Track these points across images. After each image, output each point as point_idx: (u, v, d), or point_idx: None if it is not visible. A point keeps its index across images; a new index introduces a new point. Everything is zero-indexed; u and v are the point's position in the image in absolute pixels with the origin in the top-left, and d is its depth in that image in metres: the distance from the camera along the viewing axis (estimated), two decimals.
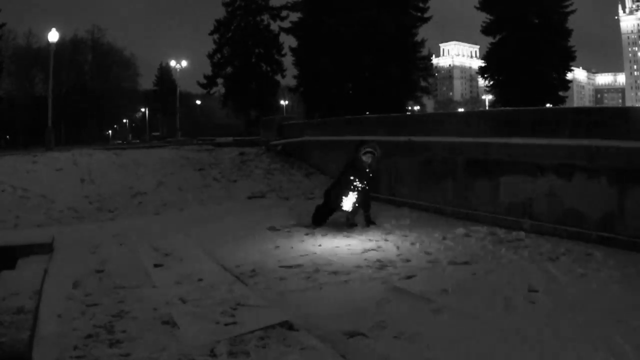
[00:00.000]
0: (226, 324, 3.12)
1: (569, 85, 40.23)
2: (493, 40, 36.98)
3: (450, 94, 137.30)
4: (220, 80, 41.03)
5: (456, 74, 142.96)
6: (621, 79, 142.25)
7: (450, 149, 6.82)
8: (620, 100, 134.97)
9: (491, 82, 38.32)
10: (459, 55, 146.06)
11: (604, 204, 4.90)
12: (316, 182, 9.72)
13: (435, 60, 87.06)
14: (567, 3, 35.86)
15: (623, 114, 5.52)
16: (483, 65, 39.06)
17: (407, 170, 7.69)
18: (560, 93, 37.02)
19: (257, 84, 39.26)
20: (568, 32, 36.19)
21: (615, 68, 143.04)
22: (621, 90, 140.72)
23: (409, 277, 4.05)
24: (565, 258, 4.44)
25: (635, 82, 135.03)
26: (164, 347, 2.81)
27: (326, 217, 6.30)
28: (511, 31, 34.77)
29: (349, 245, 5.25)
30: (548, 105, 32.52)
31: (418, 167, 7.43)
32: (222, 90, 41.40)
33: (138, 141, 50.71)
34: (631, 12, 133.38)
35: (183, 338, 2.94)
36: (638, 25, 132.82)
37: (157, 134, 62.62)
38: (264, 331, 2.97)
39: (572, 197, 5.20)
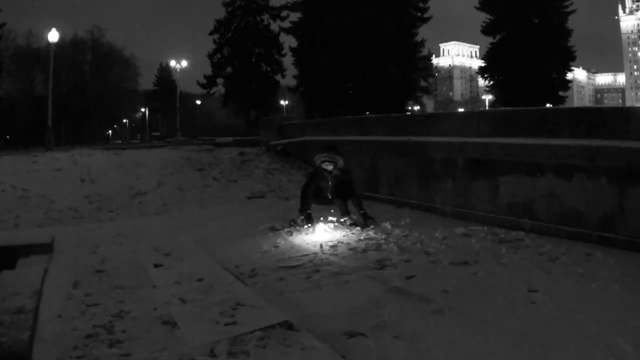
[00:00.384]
0: (226, 324, 3.12)
1: (569, 85, 40.29)
2: (493, 40, 37.04)
3: (450, 94, 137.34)
4: (220, 80, 41.12)
5: (456, 74, 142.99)
6: (621, 79, 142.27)
7: (450, 149, 6.82)
8: (620, 100, 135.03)
9: (491, 82, 38.37)
10: (459, 55, 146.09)
11: (604, 204, 4.90)
12: None
13: (435, 60, 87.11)
14: (567, 3, 35.91)
15: (623, 114, 5.52)
16: (483, 65, 39.11)
17: (407, 170, 7.69)
18: (560, 93, 37.07)
19: (257, 84, 39.29)
20: (568, 32, 36.24)
21: (615, 68, 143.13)
22: (621, 90, 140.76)
23: (409, 277, 4.04)
24: (565, 258, 4.44)
25: (635, 82, 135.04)
26: (164, 347, 2.81)
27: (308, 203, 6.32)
28: (511, 31, 34.81)
29: (349, 245, 5.25)
30: (548, 105, 32.56)
31: (418, 167, 7.43)
32: (222, 90, 41.48)
33: (138, 141, 50.73)
34: (631, 12, 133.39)
35: (183, 338, 2.94)
36: (638, 25, 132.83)
37: (157, 134, 62.65)
38: (264, 331, 2.97)
39: (572, 197, 5.20)
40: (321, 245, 5.25)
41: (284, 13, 38.12)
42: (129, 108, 65.66)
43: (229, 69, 40.59)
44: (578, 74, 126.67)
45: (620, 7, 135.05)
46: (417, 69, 33.72)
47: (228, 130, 38.73)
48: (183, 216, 7.48)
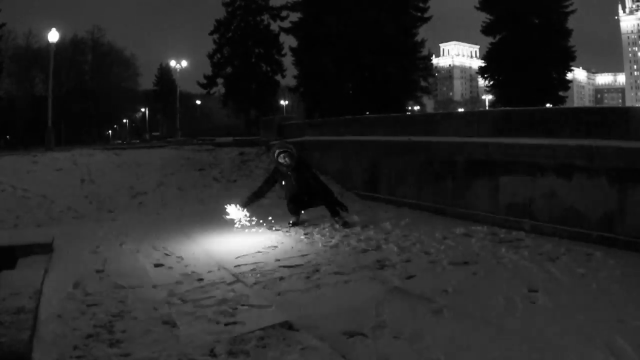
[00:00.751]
0: (226, 324, 3.12)
1: (569, 85, 40.28)
2: (493, 40, 37.04)
3: (450, 94, 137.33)
4: (220, 80, 41.13)
5: (456, 74, 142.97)
6: (621, 79, 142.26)
7: (450, 149, 6.82)
8: (620, 100, 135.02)
9: (491, 82, 38.38)
10: (459, 55, 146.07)
11: (604, 204, 4.90)
12: None
13: (435, 60, 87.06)
14: (567, 3, 35.91)
15: (623, 114, 5.52)
16: (483, 65, 39.11)
17: (407, 170, 7.69)
18: (560, 93, 37.07)
19: (257, 84, 39.30)
20: (568, 32, 36.23)
21: (615, 68, 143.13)
22: (621, 90, 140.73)
23: (409, 277, 4.05)
24: (565, 258, 4.44)
25: (635, 82, 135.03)
26: (164, 347, 2.81)
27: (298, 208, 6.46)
28: (511, 31, 34.82)
29: (349, 245, 5.25)
30: (548, 105, 32.55)
31: (418, 167, 7.43)
32: (222, 90, 41.49)
33: (138, 141, 50.73)
34: (631, 12, 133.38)
35: (183, 338, 2.94)
36: (638, 25, 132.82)
37: (157, 134, 62.63)
38: (264, 331, 2.97)
39: (572, 197, 5.20)
40: (321, 245, 5.25)
41: (284, 13, 38.12)
42: (129, 108, 65.63)
43: (229, 69, 40.60)
44: (578, 74, 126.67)
45: (620, 7, 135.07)
46: (417, 69, 33.70)
47: (228, 130, 38.78)
48: (183, 216, 7.48)
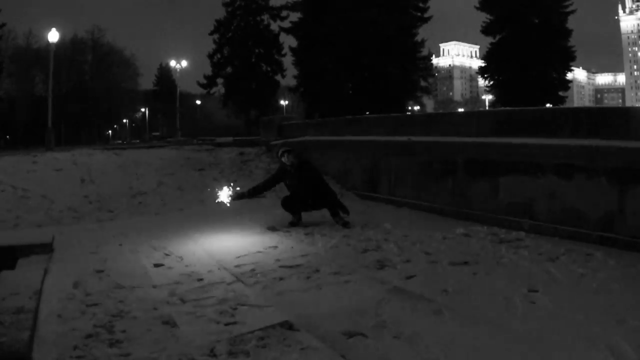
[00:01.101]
0: (226, 324, 3.12)
1: (569, 85, 40.31)
2: (493, 40, 37.06)
3: (450, 94, 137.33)
4: (220, 80, 41.13)
5: (456, 74, 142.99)
6: (621, 79, 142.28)
7: (450, 149, 6.82)
8: (620, 100, 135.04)
9: (491, 82, 38.39)
10: (459, 55, 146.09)
11: (604, 204, 4.90)
12: None
13: (435, 60, 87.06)
14: (567, 3, 35.93)
15: (623, 114, 5.53)
16: (483, 65, 39.13)
17: (407, 171, 7.69)
18: (560, 93, 37.09)
19: (257, 84, 39.29)
20: (568, 32, 36.25)
21: (615, 68, 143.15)
22: (621, 90, 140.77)
23: (409, 277, 4.04)
24: (565, 258, 4.43)
25: (635, 82, 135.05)
26: (164, 347, 2.81)
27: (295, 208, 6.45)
28: (511, 31, 34.83)
29: (349, 245, 5.25)
30: (548, 105, 32.55)
31: (418, 167, 7.43)
32: (222, 90, 41.49)
33: (138, 141, 50.71)
34: (631, 12, 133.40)
35: (183, 338, 2.94)
36: (638, 25, 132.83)
37: (157, 134, 62.64)
38: (264, 331, 2.97)
39: (572, 197, 5.20)
40: (321, 245, 5.25)
41: (284, 13, 38.16)
42: (129, 108, 65.64)
43: (229, 69, 40.60)
44: (578, 74, 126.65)
45: (620, 7, 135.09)
46: (417, 69, 33.72)
47: (228, 130, 38.78)
48: (183, 216, 7.48)
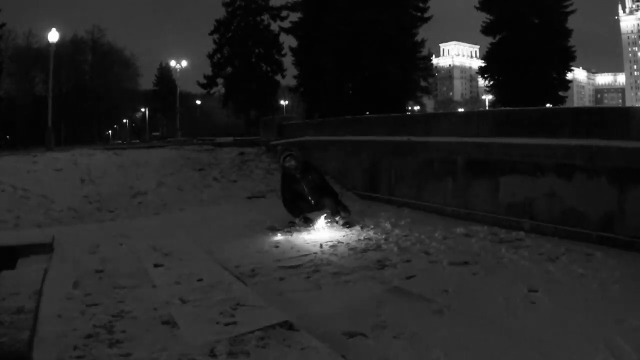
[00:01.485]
0: (226, 324, 3.12)
1: (569, 85, 40.33)
2: (493, 40, 37.08)
3: (450, 94, 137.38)
4: (220, 80, 41.19)
5: (456, 74, 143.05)
6: (621, 79, 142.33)
7: (450, 149, 6.82)
8: (620, 100, 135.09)
9: (491, 82, 38.41)
10: (459, 55, 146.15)
11: (604, 204, 4.90)
12: None
13: (435, 60, 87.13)
14: (567, 3, 35.95)
15: (623, 114, 5.52)
16: (483, 65, 39.15)
17: (407, 170, 7.69)
18: (560, 93, 37.11)
19: (257, 84, 39.33)
20: (568, 32, 36.27)
21: (615, 68, 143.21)
22: (621, 90, 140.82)
23: (409, 277, 4.04)
24: (565, 258, 4.43)
25: (635, 82, 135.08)
26: (164, 347, 2.81)
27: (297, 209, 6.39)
28: (511, 31, 34.85)
29: (349, 245, 5.25)
30: (548, 105, 32.56)
31: (418, 167, 7.43)
32: (222, 90, 41.55)
33: (138, 141, 50.73)
34: (631, 12, 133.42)
35: (183, 338, 2.93)
36: (638, 25, 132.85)
37: (157, 134, 62.65)
38: (264, 331, 2.97)
39: (572, 197, 5.20)
40: (321, 245, 5.25)
41: (284, 13, 38.20)
42: (129, 108, 65.64)
43: (229, 69, 40.64)
44: (578, 74, 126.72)
45: (620, 7, 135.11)
46: (417, 69, 33.75)
47: (228, 130, 38.84)
48: (183, 216, 7.48)
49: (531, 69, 33.43)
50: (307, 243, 5.43)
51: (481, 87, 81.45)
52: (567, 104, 44.96)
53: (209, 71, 41.09)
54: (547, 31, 33.99)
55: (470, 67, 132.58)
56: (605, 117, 5.45)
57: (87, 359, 2.72)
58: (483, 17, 36.86)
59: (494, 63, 36.69)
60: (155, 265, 4.64)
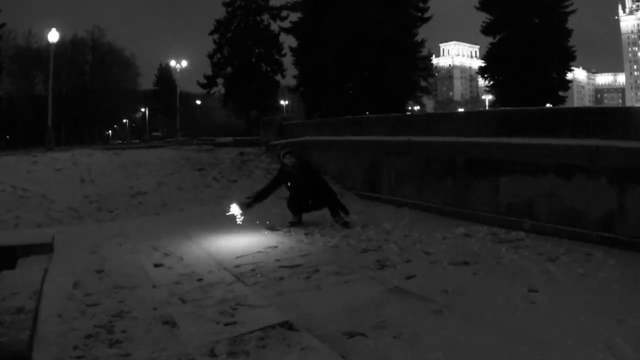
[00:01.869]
0: (226, 324, 3.12)
1: (569, 85, 40.30)
2: (493, 40, 37.06)
3: (450, 94, 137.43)
4: (220, 80, 41.15)
5: (456, 74, 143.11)
6: (621, 79, 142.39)
7: (450, 149, 6.82)
8: (620, 100, 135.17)
9: (491, 82, 38.39)
10: (459, 55, 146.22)
11: (604, 204, 4.90)
12: None
13: (435, 60, 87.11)
14: (567, 3, 35.93)
15: (623, 114, 5.52)
16: (483, 65, 39.11)
17: (407, 170, 7.69)
18: (560, 93, 37.08)
19: (257, 84, 39.31)
20: (568, 32, 36.26)
21: (615, 68, 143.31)
22: (621, 90, 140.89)
23: (409, 277, 4.04)
24: (565, 258, 4.43)
25: (635, 82, 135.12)
26: (164, 347, 2.81)
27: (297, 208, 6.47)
28: (511, 31, 34.84)
29: (349, 245, 5.25)
30: (548, 105, 32.55)
31: (418, 167, 7.43)
32: (222, 90, 41.51)
33: (138, 141, 50.72)
34: (631, 12, 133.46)
35: (183, 338, 2.94)
36: (638, 25, 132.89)
37: (157, 134, 62.62)
38: (264, 331, 2.97)
39: (572, 197, 5.20)
40: (321, 245, 5.25)
41: (284, 13, 38.17)
42: (129, 108, 65.62)
43: (229, 69, 40.62)
44: (578, 74, 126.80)
45: (620, 7, 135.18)
46: (417, 69, 33.72)
47: (228, 130, 38.77)
48: (183, 216, 7.48)
49: (531, 69, 33.41)
50: (307, 243, 5.43)
51: (481, 87, 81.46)
52: (567, 104, 44.97)
53: (209, 71, 41.11)
54: (547, 31, 33.98)
55: (470, 67, 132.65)
56: (606, 117, 5.44)
57: (87, 359, 2.72)
58: (483, 17, 36.88)
59: (494, 63, 36.67)
60: (155, 265, 4.65)
